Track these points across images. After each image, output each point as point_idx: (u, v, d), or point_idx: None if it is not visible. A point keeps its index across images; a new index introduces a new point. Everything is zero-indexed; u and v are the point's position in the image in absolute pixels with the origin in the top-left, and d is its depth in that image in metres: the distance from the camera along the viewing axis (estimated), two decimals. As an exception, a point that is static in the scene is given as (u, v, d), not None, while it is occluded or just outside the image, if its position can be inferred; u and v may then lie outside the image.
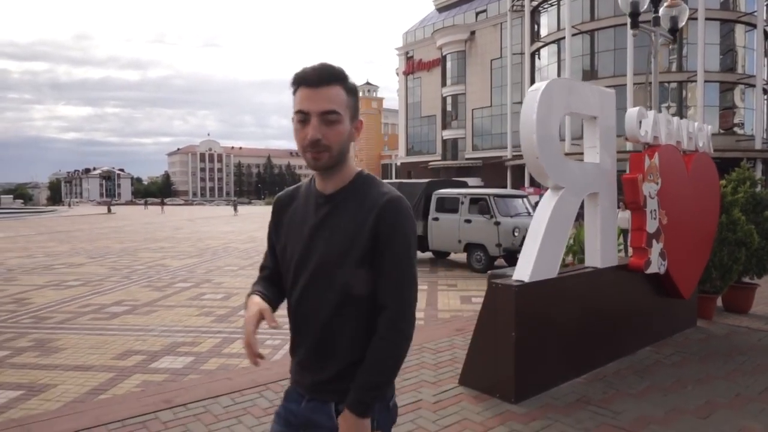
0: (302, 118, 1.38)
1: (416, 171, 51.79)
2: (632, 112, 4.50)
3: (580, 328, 4.00)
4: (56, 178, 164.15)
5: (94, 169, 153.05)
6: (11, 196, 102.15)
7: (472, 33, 49.33)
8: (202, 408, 3.61)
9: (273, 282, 1.61)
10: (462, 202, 11.80)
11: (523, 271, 3.62)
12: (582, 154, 4.47)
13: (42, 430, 3.19)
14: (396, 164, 65.04)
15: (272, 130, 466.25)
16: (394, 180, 19.72)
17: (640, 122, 4.53)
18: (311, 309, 1.46)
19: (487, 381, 3.59)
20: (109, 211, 46.71)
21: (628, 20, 6.98)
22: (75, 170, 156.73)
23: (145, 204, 59.33)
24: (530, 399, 3.53)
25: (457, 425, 3.17)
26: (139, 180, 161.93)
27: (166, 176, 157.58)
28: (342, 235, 1.41)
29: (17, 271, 11.84)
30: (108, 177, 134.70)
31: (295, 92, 1.41)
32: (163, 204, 61.39)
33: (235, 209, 46.13)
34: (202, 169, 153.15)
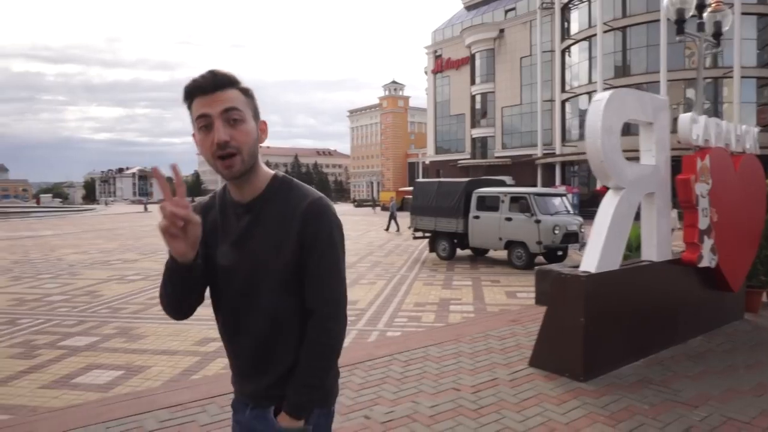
0: (205, 122, 1.31)
1: (445, 169, 51.97)
2: (685, 117, 4.79)
3: (639, 316, 4.34)
4: (91, 177, 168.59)
5: (127, 168, 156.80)
6: (50, 195, 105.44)
7: (501, 31, 49.27)
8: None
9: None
10: (502, 201, 12.12)
11: (590, 263, 3.98)
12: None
13: (167, 400, 3.65)
14: (424, 163, 65.24)
15: (298, 129, 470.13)
16: (431, 179, 19.99)
17: (692, 127, 4.83)
18: (245, 320, 1.43)
19: (557, 362, 3.97)
20: (146, 209, 48.02)
21: (662, 18, 7.19)
22: (109, 170, 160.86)
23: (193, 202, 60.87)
24: (597, 378, 3.89)
25: (534, 398, 3.55)
26: (169, 179, 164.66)
27: (196, 175, 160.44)
28: (267, 245, 1.38)
29: (78, 266, 12.56)
30: (144, 176, 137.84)
31: (190, 105, 1.35)
32: (193, 203, 62.70)
33: None
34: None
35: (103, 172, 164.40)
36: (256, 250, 1.39)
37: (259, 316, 1.40)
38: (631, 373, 4.06)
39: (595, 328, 3.88)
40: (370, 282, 10.10)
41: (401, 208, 34.66)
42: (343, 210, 53.35)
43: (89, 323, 7.01)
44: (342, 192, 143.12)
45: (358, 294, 8.87)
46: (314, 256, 1.36)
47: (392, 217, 23.40)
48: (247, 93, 1.38)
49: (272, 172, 1.47)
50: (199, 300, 1.46)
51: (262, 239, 1.39)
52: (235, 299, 1.44)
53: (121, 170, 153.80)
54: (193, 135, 1.37)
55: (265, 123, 1.44)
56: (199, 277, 1.39)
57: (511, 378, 3.93)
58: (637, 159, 4.78)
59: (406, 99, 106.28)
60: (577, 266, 4.23)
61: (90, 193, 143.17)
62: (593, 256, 3.95)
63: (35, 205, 76.23)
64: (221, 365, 5.23)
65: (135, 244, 17.87)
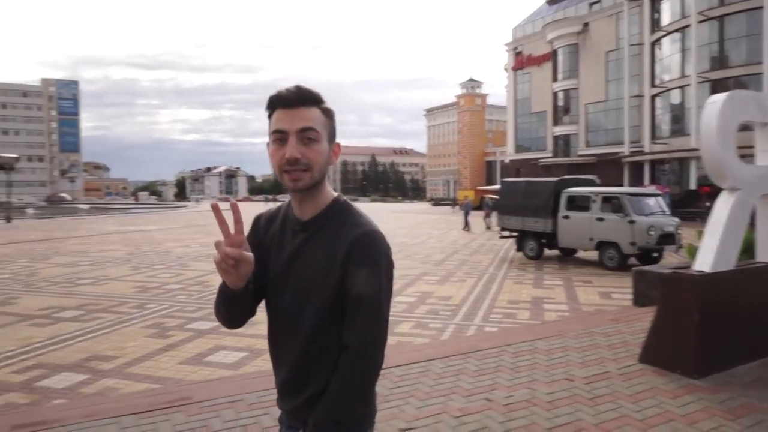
0: (279, 137, 1.34)
1: (525, 168, 51.07)
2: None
3: (754, 317, 4.33)
4: (182, 176, 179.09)
5: (215, 167, 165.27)
6: (147, 192, 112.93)
7: (585, 25, 47.74)
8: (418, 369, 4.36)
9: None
10: (594, 201, 11.95)
11: (704, 262, 4.04)
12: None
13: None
14: (503, 161, 64.33)
15: (375, 128, 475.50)
16: (518, 179, 19.87)
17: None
18: (288, 338, 1.44)
19: (669, 359, 4.05)
20: (234, 206, 50.43)
21: (765, 5, 6.89)
22: (198, 168, 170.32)
23: (266, 200, 63.46)
24: (710, 377, 3.95)
25: (648, 392, 3.68)
26: (252, 178, 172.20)
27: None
28: (316, 267, 1.38)
29: (185, 258, 13.59)
30: (233, 175, 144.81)
31: (270, 115, 1.38)
32: (275, 200, 65.38)
33: None
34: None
35: (192, 171, 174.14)
36: (304, 270, 1.40)
37: (300, 335, 1.40)
38: (745, 374, 4.07)
39: (709, 327, 3.94)
40: (460, 279, 10.32)
41: (479, 207, 34.53)
42: (420, 209, 53.72)
43: (207, 310, 7.68)
44: (418, 191, 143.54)
45: (450, 291, 9.11)
46: (354, 291, 1.32)
47: (466, 215, 23.71)
48: (327, 113, 1.40)
49: (335, 194, 1.46)
50: (250, 315, 1.50)
51: (311, 260, 1.39)
52: (281, 315, 1.46)
53: (209, 169, 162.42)
54: (267, 144, 1.40)
55: (338, 145, 1.45)
56: (249, 300, 1.43)
57: (622, 372, 4.07)
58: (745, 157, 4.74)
59: (484, 97, 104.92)
60: (678, 267, 4.30)
61: (181, 191, 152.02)
62: (708, 256, 4.01)
63: (134, 201, 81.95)
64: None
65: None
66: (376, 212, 42.58)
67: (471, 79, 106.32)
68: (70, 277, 10.44)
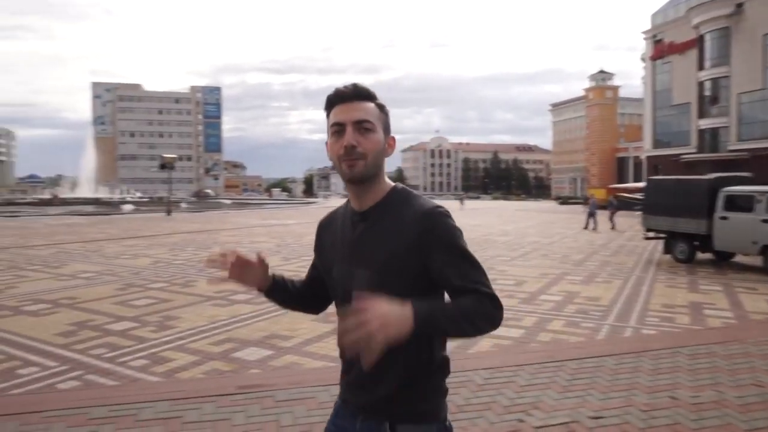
0: (337, 129, 1.42)
1: (665, 165, 47.41)
2: None
3: None
4: (309, 173, 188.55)
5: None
6: (279, 188, 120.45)
7: (739, 6, 43.18)
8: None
9: (303, 283, 1.71)
10: (759, 201, 10.93)
11: None
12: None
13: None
14: (637, 158, 60.24)
15: (496, 125, 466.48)
16: (666, 176, 18.61)
17: None
18: None
19: None
20: (360, 203, 52.21)
21: None
22: (325, 166, 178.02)
23: None
24: None
25: None
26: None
27: (399, 171, 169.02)
28: (381, 253, 1.40)
29: None
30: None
31: (329, 113, 1.46)
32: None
33: (462, 203, 48.14)
34: (432, 165, 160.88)
35: (319, 168, 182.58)
36: (369, 258, 1.42)
37: None
38: None
39: None
40: (605, 281, 9.99)
41: (605, 207, 32.73)
42: (545, 207, 51.90)
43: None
44: (542, 189, 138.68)
45: (597, 292, 8.87)
46: (444, 257, 1.35)
47: (591, 214, 22.63)
48: (382, 108, 1.47)
49: (392, 184, 1.50)
50: (322, 303, 1.68)
51: (375, 248, 1.42)
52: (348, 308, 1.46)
53: (333, 167, 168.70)
54: (327, 143, 1.48)
55: (393, 139, 1.50)
56: (292, 293, 1.65)
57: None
58: None
59: (615, 89, 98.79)
60: None
61: (308, 188, 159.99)
62: None
63: (268, 197, 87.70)
64: (489, 344, 5.81)
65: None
66: (501, 210, 41.95)
67: (601, 71, 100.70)
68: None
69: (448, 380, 1.51)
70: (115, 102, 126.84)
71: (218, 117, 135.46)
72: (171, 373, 4.84)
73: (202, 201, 60.51)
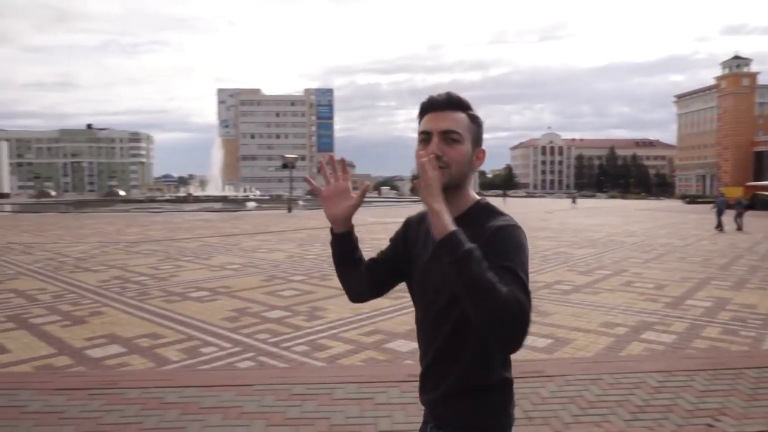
0: (424, 137, 1.43)
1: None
2: None
3: None
4: (414, 173, 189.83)
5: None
6: (388, 187, 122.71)
7: None
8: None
9: (364, 261, 1.65)
10: None
11: None
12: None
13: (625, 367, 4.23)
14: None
15: (612, 119, 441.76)
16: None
17: None
18: (430, 334, 1.51)
19: None
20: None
21: None
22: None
23: (505, 196, 63.94)
24: None
25: None
26: (483, 173, 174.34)
27: (509, 169, 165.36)
28: None
29: None
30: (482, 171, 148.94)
31: (420, 120, 1.48)
32: (505, 196, 65.32)
33: (574, 201, 46.21)
34: (543, 162, 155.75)
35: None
36: (443, 271, 1.38)
37: (442, 332, 1.46)
38: None
39: None
40: (759, 287, 9.19)
41: (751, 206, 29.85)
42: (670, 207, 48.34)
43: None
44: (664, 187, 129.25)
45: (751, 299, 8.20)
46: (498, 262, 1.28)
47: (719, 213, 20.79)
48: (474, 120, 1.46)
49: (477, 198, 1.50)
50: (371, 291, 1.66)
51: None
52: (424, 313, 1.53)
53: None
54: (416, 150, 1.46)
55: (483, 152, 1.49)
56: (355, 257, 1.60)
57: None
58: None
59: (753, 76, 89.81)
60: None
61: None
62: None
63: (377, 195, 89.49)
64: (640, 347, 5.63)
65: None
66: (620, 209, 39.67)
67: (736, 56, 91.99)
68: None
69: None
70: (238, 106, 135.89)
71: (330, 118, 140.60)
72: (332, 359, 5.21)
73: (316, 199, 63.03)
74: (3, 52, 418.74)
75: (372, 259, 1.67)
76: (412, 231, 1.62)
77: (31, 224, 23.76)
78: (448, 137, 1.41)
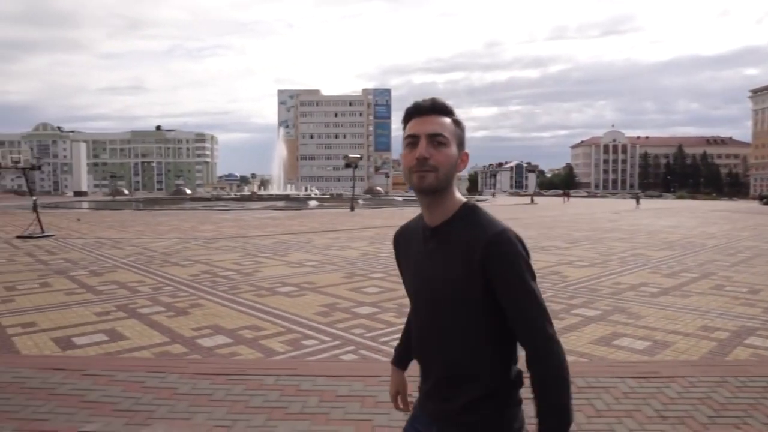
0: (411, 141, 1.44)
1: None
2: None
3: None
4: (473, 171, 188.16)
5: (506, 163, 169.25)
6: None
7: None
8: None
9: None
10: None
11: None
12: None
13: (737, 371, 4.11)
14: None
15: (678, 116, 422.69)
16: None
17: None
18: (431, 344, 1.50)
19: None
20: (532, 201, 50.92)
21: None
22: (490, 164, 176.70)
23: (566, 196, 62.37)
24: None
25: None
26: (542, 172, 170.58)
27: (569, 168, 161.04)
28: (447, 271, 1.42)
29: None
30: (532, 170, 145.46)
31: (405, 125, 1.49)
32: (566, 195, 63.68)
33: (638, 202, 44.59)
34: (605, 161, 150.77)
35: (485, 166, 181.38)
36: (436, 275, 1.45)
37: (441, 341, 1.47)
38: None
39: None
40: None
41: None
42: (745, 208, 45.73)
43: (581, 298, 8.04)
44: (738, 187, 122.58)
45: None
46: (506, 288, 1.37)
47: None
48: (458, 124, 1.48)
49: (464, 199, 1.50)
50: None
51: (443, 265, 1.44)
52: (420, 321, 1.54)
53: (500, 164, 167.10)
54: (401, 154, 1.51)
55: (467, 155, 1.51)
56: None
57: None
58: None
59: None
60: None
61: (473, 185, 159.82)
62: None
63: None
64: (747, 353, 5.43)
65: (550, 233, 19.29)
66: (691, 210, 37.89)
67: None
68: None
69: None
70: (297, 107, 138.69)
71: (388, 117, 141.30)
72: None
73: (375, 198, 63.58)
74: (80, 59, 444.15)
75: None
76: (399, 246, 1.66)
77: (113, 221, 25.17)
78: (435, 140, 1.42)
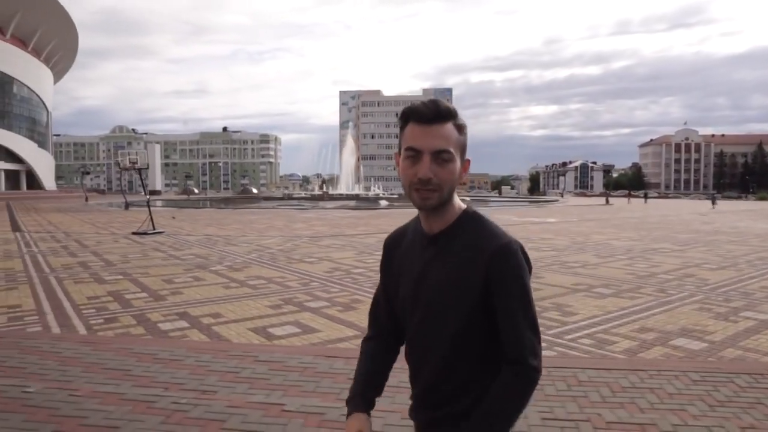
0: (412, 154, 1.33)
1: None
2: None
3: None
4: (535, 170, 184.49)
5: (570, 162, 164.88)
6: (509, 186, 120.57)
7: None
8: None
9: (380, 348, 1.61)
10: None
11: None
12: None
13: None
14: None
15: (753, 112, 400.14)
16: None
17: None
18: (424, 353, 1.45)
19: None
20: (607, 202, 49.48)
21: None
22: (553, 164, 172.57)
23: (645, 196, 60.12)
24: None
25: None
26: (607, 172, 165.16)
27: (637, 168, 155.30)
28: (447, 280, 1.37)
29: (634, 250, 13.97)
30: (608, 170, 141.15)
31: (403, 127, 1.38)
32: (630, 196, 61.58)
33: (713, 204, 42.53)
34: (677, 160, 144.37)
35: (546, 166, 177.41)
36: (435, 284, 1.40)
37: (434, 350, 1.42)
38: None
39: None
40: None
41: None
42: None
43: (737, 302, 7.79)
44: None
45: None
46: (503, 304, 1.34)
47: None
48: (460, 129, 1.37)
49: (464, 206, 1.44)
50: (400, 343, 1.61)
51: (442, 274, 1.38)
52: (414, 330, 1.48)
53: (564, 164, 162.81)
54: (396, 154, 1.42)
55: (468, 162, 1.42)
56: (382, 375, 1.59)
57: None
58: None
59: None
60: None
61: (534, 185, 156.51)
62: None
63: (497, 195, 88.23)
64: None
65: (649, 235, 18.71)
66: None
67: None
68: (557, 258, 11.98)
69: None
70: (359, 107, 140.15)
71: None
72: (628, 352, 5.33)
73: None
74: (148, 65, 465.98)
75: (378, 330, 1.64)
76: (392, 252, 1.58)
77: (205, 218, 26.30)
78: (440, 157, 1.33)
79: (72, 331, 6.13)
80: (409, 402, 1.55)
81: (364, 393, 1.54)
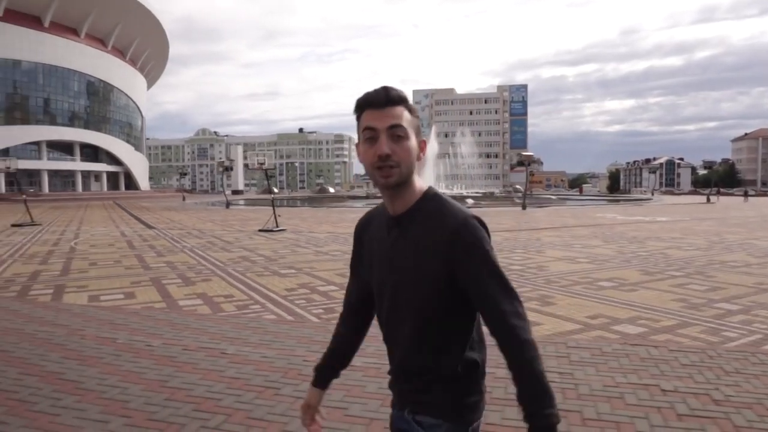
0: (370, 135, 1.40)
1: None
2: None
3: None
4: (614, 167, 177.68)
5: (654, 159, 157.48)
6: (590, 184, 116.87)
7: None
8: None
9: (349, 329, 1.75)
10: None
11: None
12: None
13: None
14: None
15: None
16: None
17: None
18: (394, 331, 1.53)
19: None
20: (708, 200, 47.07)
21: None
22: (635, 161, 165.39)
23: (745, 195, 56.46)
24: None
25: None
26: (693, 169, 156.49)
27: (729, 164, 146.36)
28: (412, 260, 1.43)
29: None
30: (709, 166, 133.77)
31: (359, 117, 1.45)
32: (719, 193, 58.03)
33: None
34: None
35: (628, 163, 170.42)
36: (401, 264, 1.46)
37: (404, 329, 1.49)
38: None
39: None
40: None
41: None
42: None
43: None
44: None
45: None
46: (475, 272, 1.37)
47: None
48: (412, 112, 1.45)
49: (425, 187, 1.48)
50: (369, 315, 1.73)
51: (407, 254, 1.44)
52: (386, 311, 1.55)
53: (647, 161, 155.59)
54: (357, 145, 1.48)
55: (424, 142, 1.48)
56: (346, 354, 1.76)
57: None
58: None
59: None
60: None
61: (614, 183, 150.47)
62: None
63: (578, 193, 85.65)
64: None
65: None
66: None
67: None
68: (710, 258, 11.60)
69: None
70: (432, 106, 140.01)
71: (524, 114, 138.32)
72: None
73: (519, 195, 62.50)
74: (224, 69, 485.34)
75: (349, 308, 1.76)
76: (362, 236, 1.65)
77: (309, 217, 27.28)
78: (395, 134, 1.40)
79: (303, 320, 6.63)
80: (388, 376, 1.65)
81: (323, 368, 1.74)
